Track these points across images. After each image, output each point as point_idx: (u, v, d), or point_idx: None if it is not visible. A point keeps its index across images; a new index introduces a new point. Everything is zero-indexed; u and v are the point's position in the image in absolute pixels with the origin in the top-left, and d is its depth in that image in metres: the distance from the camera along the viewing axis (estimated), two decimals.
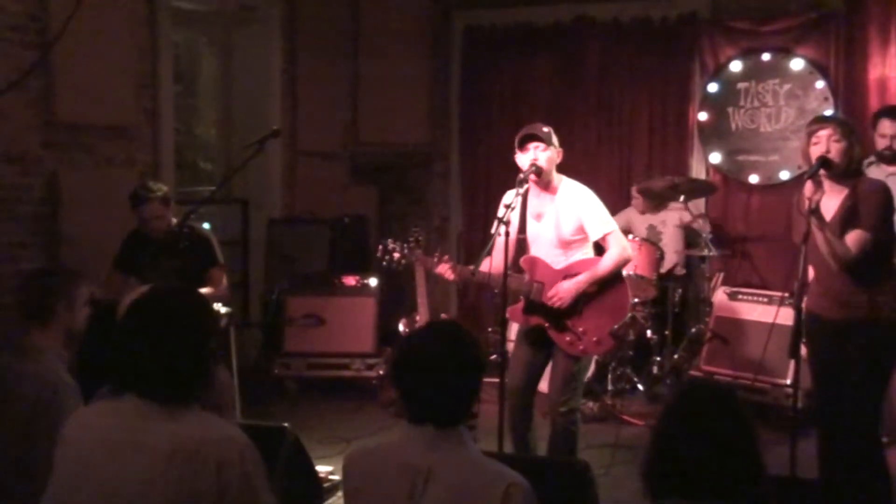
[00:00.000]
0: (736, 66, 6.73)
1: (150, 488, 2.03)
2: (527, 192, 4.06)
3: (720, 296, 5.98)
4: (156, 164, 5.77)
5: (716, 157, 6.84)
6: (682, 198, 6.14)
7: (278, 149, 6.69)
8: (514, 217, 4.02)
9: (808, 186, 3.59)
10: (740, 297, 5.89)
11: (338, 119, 7.34)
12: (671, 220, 6.52)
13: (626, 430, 5.41)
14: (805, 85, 6.51)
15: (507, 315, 4.10)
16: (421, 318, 4.94)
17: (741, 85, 6.71)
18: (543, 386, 4.27)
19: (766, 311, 5.55)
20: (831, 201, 3.73)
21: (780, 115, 6.61)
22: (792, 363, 3.86)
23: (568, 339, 4.07)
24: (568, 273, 4.08)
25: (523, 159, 4.04)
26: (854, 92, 6.38)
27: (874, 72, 6.29)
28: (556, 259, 4.13)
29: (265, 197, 6.84)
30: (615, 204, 6.22)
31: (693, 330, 6.29)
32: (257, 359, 6.48)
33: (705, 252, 6.08)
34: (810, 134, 3.79)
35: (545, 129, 4.07)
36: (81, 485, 2.09)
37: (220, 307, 4.51)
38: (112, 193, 5.13)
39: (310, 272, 6.42)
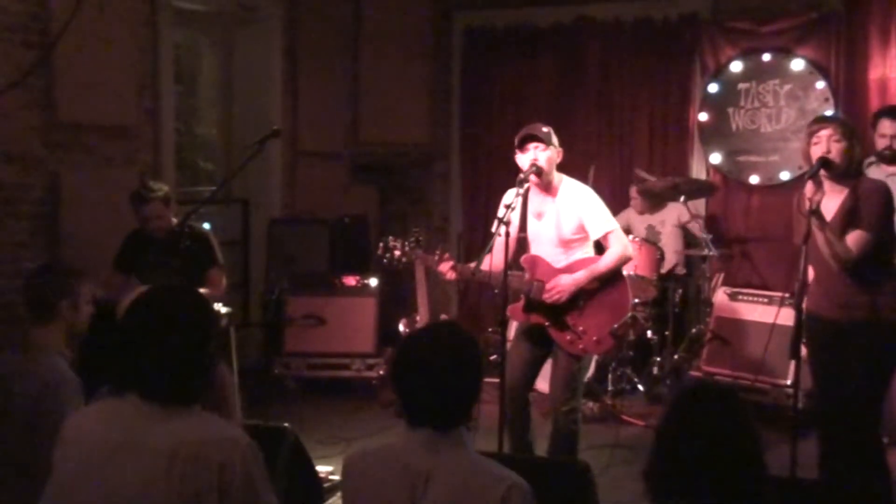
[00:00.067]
0: (736, 67, 6.73)
1: (151, 489, 2.03)
2: (527, 191, 4.06)
3: (720, 296, 5.98)
4: (156, 163, 5.77)
5: (716, 158, 6.84)
6: (682, 198, 6.14)
7: (279, 149, 6.69)
8: (515, 216, 4.02)
9: (809, 187, 3.59)
10: (741, 297, 5.89)
11: (338, 119, 7.34)
12: (670, 219, 6.53)
13: (625, 430, 5.42)
14: (805, 85, 6.51)
15: (508, 313, 4.09)
16: (421, 318, 4.94)
17: (742, 85, 6.71)
18: (544, 386, 4.28)
19: (766, 312, 5.54)
20: (831, 202, 3.73)
21: (780, 116, 6.62)
22: (792, 364, 3.86)
23: (568, 337, 4.07)
24: (568, 272, 4.08)
25: (523, 160, 4.04)
26: (854, 92, 6.38)
27: (874, 72, 6.30)
28: (557, 258, 4.14)
29: (265, 197, 6.84)
30: (615, 204, 6.22)
31: (693, 330, 6.29)
32: (257, 359, 6.48)
33: (705, 252, 6.09)
34: (811, 134, 3.80)
35: (545, 130, 4.07)
36: (81, 486, 2.09)
37: (220, 307, 4.51)
38: (113, 193, 5.13)
39: (310, 272, 6.42)
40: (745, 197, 6.82)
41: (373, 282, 6.30)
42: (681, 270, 6.49)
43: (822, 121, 3.92)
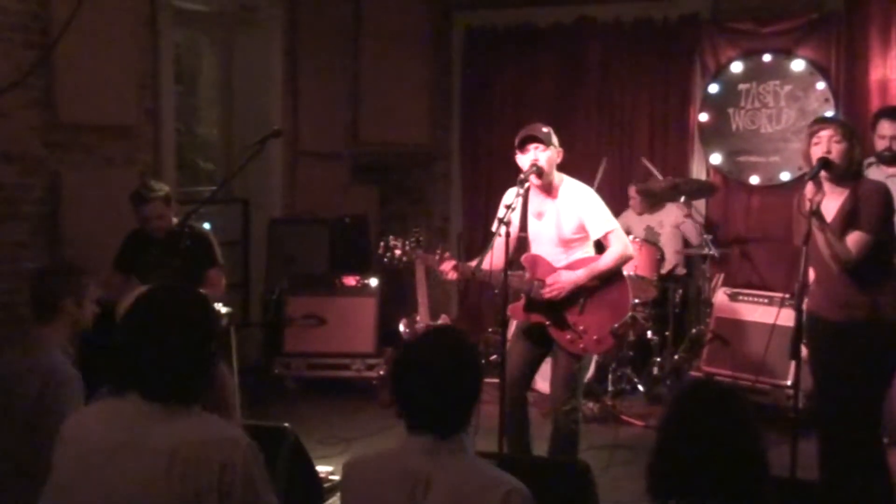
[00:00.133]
0: (737, 67, 6.73)
1: (151, 489, 2.03)
2: (527, 191, 4.07)
3: (721, 296, 5.97)
4: (157, 163, 5.77)
5: (716, 158, 6.84)
6: (682, 198, 6.14)
7: (279, 149, 6.68)
8: (515, 216, 4.03)
9: (809, 188, 3.59)
10: (741, 297, 5.89)
11: (338, 119, 7.34)
12: (668, 220, 6.53)
13: (625, 430, 5.42)
14: (806, 86, 6.51)
15: (509, 312, 4.09)
16: (421, 318, 4.93)
17: (742, 86, 6.72)
18: (544, 386, 4.28)
19: (766, 312, 5.54)
20: (831, 203, 3.73)
21: (780, 117, 6.62)
22: (793, 364, 3.85)
23: (569, 336, 4.07)
24: (569, 270, 4.08)
25: (523, 160, 4.04)
26: (855, 93, 6.39)
27: (875, 73, 6.30)
28: (557, 257, 4.14)
29: (265, 197, 6.84)
30: (616, 204, 6.21)
31: (693, 331, 6.29)
32: (257, 359, 6.48)
33: (705, 252, 6.09)
34: (811, 135, 3.79)
35: (545, 130, 4.07)
36: (81, 485, 2.08)
37: (220, 307, 4.51)
38: (113, 193, 5.12)
39: (310, 272, 6.42)
40: (746, 197, 6.83)
41: (373, 282, 6.30)
42: (681, 271, 6.49)
43: (822, 122, 3.92)
